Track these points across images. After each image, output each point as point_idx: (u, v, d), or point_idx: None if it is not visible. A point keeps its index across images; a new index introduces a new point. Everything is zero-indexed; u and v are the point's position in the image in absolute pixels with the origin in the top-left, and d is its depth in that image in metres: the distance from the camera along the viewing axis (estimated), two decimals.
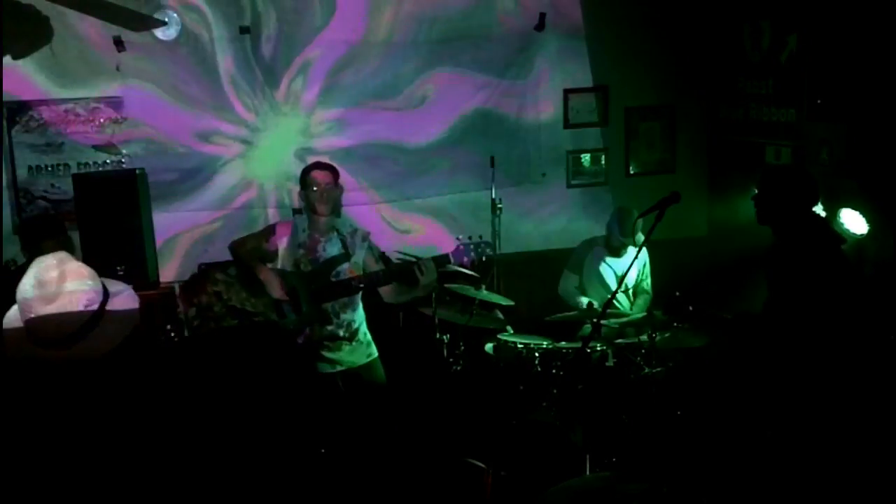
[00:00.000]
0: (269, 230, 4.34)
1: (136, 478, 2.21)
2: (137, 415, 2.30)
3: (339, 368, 4.27)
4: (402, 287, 4.19)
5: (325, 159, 5.44)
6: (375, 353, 4.41)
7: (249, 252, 4.26)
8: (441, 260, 4.12)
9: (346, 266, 4.21)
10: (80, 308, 2.05)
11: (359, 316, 4.33)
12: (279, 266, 4.21)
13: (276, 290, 4.10)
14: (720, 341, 4.73)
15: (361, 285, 4.18)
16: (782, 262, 3.81)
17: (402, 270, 4.13)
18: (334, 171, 4.27)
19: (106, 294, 2.12)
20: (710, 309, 4.80)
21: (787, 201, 3.79)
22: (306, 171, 4.26)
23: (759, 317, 3.98)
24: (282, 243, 4.24)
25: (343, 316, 4.24)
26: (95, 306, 2.08)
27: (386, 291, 4.28)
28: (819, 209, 4.80)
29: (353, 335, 4.29)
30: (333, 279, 4.19)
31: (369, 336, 4.41)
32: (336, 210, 4.37)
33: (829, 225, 4.09)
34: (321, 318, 4.19)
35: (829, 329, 3.61)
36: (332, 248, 4.24)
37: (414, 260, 4.10)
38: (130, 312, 2.16)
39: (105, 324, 2.10)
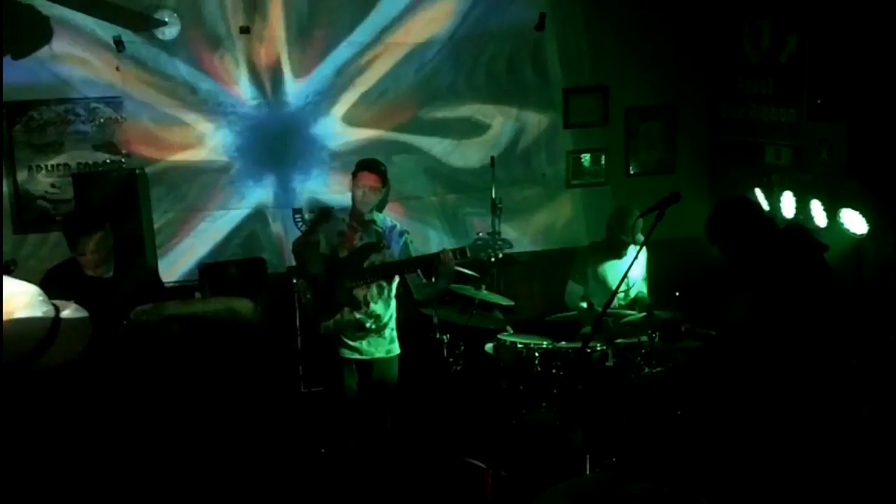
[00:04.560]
0: (318, 216, 4.51)
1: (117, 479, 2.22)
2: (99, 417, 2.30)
3: (356, 356, 4.45)
4: (426, 280, 4.35)
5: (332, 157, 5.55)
6: (396, 351, 4.56)
7: (302, 238, 4.47)
8: (458, 252, 4.23)
9: (379, 258, 4.36)
10: (33, 314, 2.00)
11: (389, 311, 4.50)
12: (321, 251, 4.40)
13: (317, 268, 4.33)
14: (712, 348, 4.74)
15: (385, 273, 4.34)
16: (758, 279, 3.83)
17: (422, 259, 4.30)
18: (384, 173, 4.42)
19: (56, 307, 2.08)
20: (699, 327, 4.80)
21: (735, 234, 3.84)
22: (357, 168, 4.43)
23: (743, 325, 3.98)
24: (323, 229, 4.43)
25: (373, 306, 4.40)
26: (51, 316, 2.03)
27: (416, 287, 4.43)
28: (820, 212, 4.81)
29: (380, 328, 4.45)
30: (366, 267, 4.34)
31: (395, 334, 4.56)
32: (379, 206, 4.56)
33: (800, 235, 4.09)
34: (349, 304, 4.33)
35: (804, 336, 3.62)
36: (369, 239, 4.40)
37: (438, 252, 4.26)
38: (84, 320, 2.13)
39: (63, 332, 2.06)
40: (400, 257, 4.40)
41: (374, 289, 4.40)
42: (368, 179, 4.35)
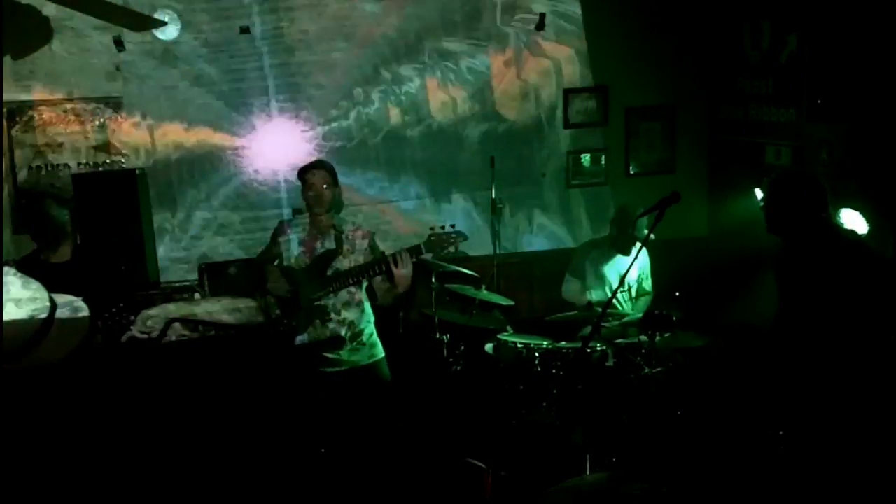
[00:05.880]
0: (276, 229, 4.41)
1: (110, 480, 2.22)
2: (97, 419, 2.30)
3: (340, 368, 4.27)
4: (388, 284, 4.12)
5: (326, 156, 5.52)
6: (380, 355, 4.38)
7: (262, 255, 4.42)
8: (414, 251, 4.05)
9: (345, 263, 4.21)
10: (25, 316, 1.99)
11: (364, 317, 4.32)
12: (284, 264, 4.26)
13: (280, 288, 4.16)
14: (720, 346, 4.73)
15: (350, 280, 4.15)
16: (798, 269, 3.76)
17: (377, 264, 4.09)
18: (331, 171, 4.26)
19: (53, 303, 2.07)
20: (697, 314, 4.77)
21: (797, 208, 3.64)
22: (302, 171, 4.26)
23: (770, 327, 3.93)
24: (284, 241, 4.30)
25: (344, 314, 4.23)
26: (44, 315, 2.02)
27: (379, 292, 4.25)
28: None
29: (356, 335, 4.28)
30: (329, 275, 4.19)
31: (375, 338, 4.38)
32: (336, 208, 4.37)
33: (840, 227, 4.05)
34: (319, 315, 4.20)
35: (854, 334, 3.56)
36: (330, 245, 4.25)
37: (392, 253, 4.08)
38: (81, 322, 2.11)
39: (55, 332, 2.05)
40: (367, 260, 4.20)
41: (343, 296, 4.21)
42: (317, 178, 4.17)
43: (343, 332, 4.24)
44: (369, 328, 4.35)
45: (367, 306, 4.35)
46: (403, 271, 3.98)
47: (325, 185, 4.19)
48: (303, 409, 4.00)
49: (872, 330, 3.55)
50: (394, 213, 6.06)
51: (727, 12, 6.02)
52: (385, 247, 4.41)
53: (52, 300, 2.07)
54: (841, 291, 3.54)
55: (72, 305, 2.12)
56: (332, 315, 4.22)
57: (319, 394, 4.20)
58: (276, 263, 4.29)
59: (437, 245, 4.08)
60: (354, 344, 4.28)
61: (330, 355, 4.24)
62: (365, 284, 4.29)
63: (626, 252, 5.22)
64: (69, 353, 2.07)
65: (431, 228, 4.15)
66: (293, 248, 4.28)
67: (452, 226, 4.15)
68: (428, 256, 4.19)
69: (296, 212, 5.86)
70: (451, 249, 4.11)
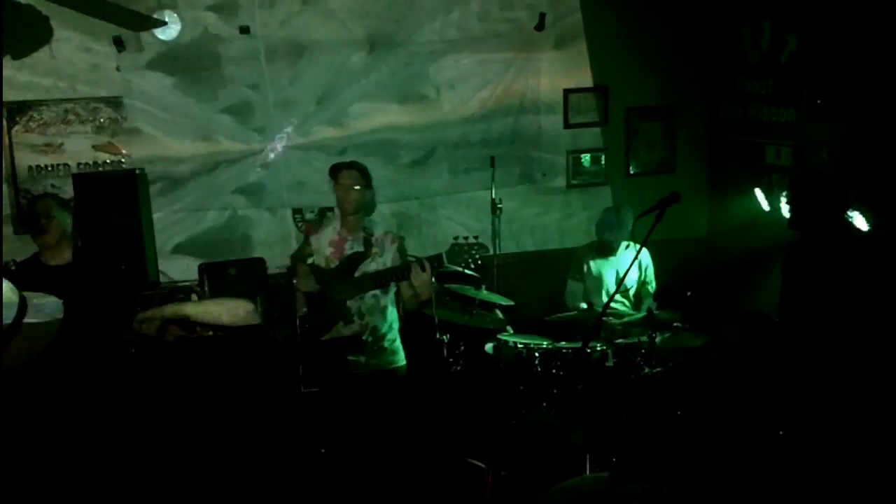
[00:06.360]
0: (308, 228, 4.49)
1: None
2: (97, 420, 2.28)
3: (357, 371, 4.26)
4: (412, 291, 4.12)
5: (323, 157, 5.52)
6: (400, 363, 4.37)
7: (296, 252, 4.49)
8: (435, 260, 4.07)
9: (372, 266, 4.21)
10: None
11: (387, 322, 4.31)
12: (314, 262, 4.29)
13: (308, 286, 4.21)
14: (724, 340, 4.73)
15: (375, 284, 4.16)
16: (813, 266, 3.76)
17: (400, 269, 4.11)
18: (363, 172, 4.26)
19: (24, 306, 2.00)
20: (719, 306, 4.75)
21: (822, 206, 3.71)
22: (334, 169, 4.28)
23: (777, 318, 3.93)
24: (315, 240, 4.34)
25: (367, 318, 4.24)
26: (10, 319, 1.95)
27: (405, 297, 4.24)
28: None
29: (377, 340, 4.27)
30: (356, 277, 4.19)
31: (398, 345, 4.38)
32: (366, 210, 4.38)
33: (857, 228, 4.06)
34: (343, 317, 4.20)
35: (863, 331, 3.56)
36: (359, 248, 4.25)
37: (413, 259, 4.10)
38: (50, 325, 2.05)
39: (23, 335, 1.99)
40: (394, 264, 4.20)
41: (368, 300, 4.21)
42: (349, 178, 4.19)
43: (364, 336, 4.23)
44: (392, 334, 4.34)
45: (392, 312, 4.35)
46: (423, 278, 4.00)
47: (355, 186, 4.19)
48: (307, 410, 4.01)
49: (882, 328, 3.56)
50: (393, 213, 6.06)
51: (727, 12, 6.02)
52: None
53: (22, 303, 1.99)
54: (855, 289, 3.55)
55: (45, 308, 2.05)
56: (356, 318, 4.23)
57: (332, 393, 4.22)
58: (308, 261, 4.32)
59: (459, 255, 4.08)
60: (374, 348, 4.28)
61: (350, 357, 4.25)
62: (393, 290, 4.29)
63: (609, 253, 5.27)
64: (34, 356, 2.01)
65: (455, 238, 4.15)
66: (323, 248, 4.31)
67: (476, 237, 4.16)
68: (450, 267, 4.19)
69: (295, 212, 5.87)
70: (472, 261, 4.12)
